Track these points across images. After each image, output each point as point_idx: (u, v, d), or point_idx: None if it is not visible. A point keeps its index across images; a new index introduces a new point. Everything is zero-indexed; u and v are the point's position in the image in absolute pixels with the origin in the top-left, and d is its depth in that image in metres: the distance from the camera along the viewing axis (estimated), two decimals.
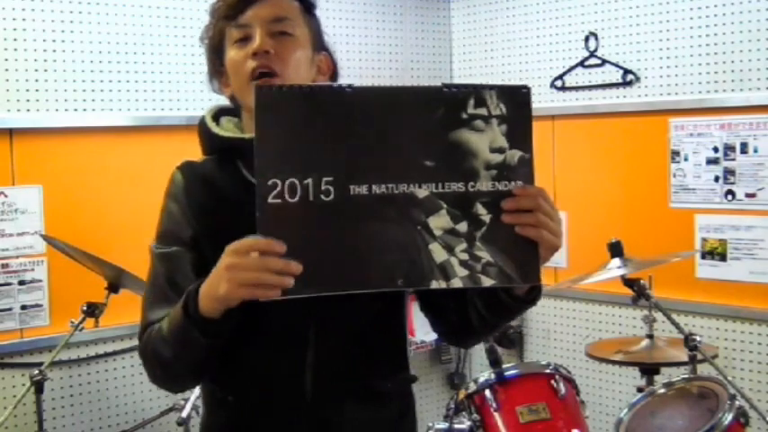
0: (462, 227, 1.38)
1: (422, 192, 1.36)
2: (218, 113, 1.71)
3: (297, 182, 1.33)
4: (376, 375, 1.64)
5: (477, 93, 1.39)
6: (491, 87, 1.40)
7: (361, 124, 1.35)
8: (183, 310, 1.47)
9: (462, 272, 1.38)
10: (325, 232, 1.34)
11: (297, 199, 1.33)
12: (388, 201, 1.35)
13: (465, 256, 1.38)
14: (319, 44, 1.71)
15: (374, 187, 1.35)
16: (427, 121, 1.38)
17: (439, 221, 1.37)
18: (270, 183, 1.33)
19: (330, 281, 1.35)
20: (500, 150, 1.39)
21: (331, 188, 1.34)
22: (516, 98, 1.41)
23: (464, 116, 1.38)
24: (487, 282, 1.38)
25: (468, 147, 1.38)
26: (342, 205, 1.34)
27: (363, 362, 1.62)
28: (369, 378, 1.62)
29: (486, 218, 1.39)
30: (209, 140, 1.68)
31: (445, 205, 1.37)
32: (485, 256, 1.38)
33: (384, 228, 1.36)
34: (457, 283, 1.37)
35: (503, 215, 1.39)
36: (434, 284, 1.37)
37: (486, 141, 1.39)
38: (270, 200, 1.33)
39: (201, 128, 1.70)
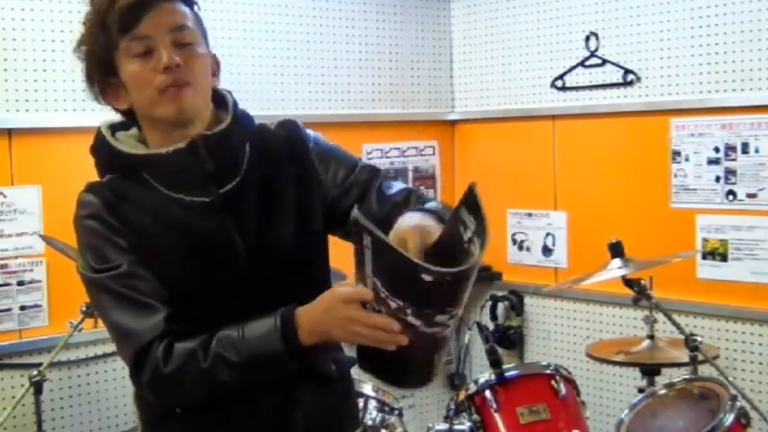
0: None
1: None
2: (113, 130, 1.66)
3: None
4: (323, 361, 1.66)
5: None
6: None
7: None
8: (283, 342, 1.48)
9: None
10: None
11: None
12: None
13: None
14: (208, 45, 1.66)
15: None
16: None
17: None
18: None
19: None
20: None
21: None
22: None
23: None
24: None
25: None
26: None
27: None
28: (318, 364, 1.64)
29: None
30: (114, 159, 1.62)
31: None
32: None
33: None
34: None
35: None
36: None
37: None
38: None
39: (102, 148, 1.64)
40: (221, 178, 1.61)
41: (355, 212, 1.36)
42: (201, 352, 1.50)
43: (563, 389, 2.86)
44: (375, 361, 1.51)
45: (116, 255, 1.55)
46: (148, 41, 1.53)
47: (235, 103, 1.67)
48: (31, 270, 3.25)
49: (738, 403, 2.51)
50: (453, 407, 2.91)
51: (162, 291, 1.55)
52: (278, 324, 1.49)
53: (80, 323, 2.91)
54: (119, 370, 3.44)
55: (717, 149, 3.49)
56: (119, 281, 1.55)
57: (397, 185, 1.72)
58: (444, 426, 2.84)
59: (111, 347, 3.40)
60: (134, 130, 1.66)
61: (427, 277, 1.31)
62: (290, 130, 1.72)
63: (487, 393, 2.82)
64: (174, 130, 1.58)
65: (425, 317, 1.37)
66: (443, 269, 1.32)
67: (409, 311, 1.36)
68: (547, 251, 4.05)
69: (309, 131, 1.75)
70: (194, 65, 1.56)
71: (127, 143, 1.63)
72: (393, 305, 1.37)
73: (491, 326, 4.17)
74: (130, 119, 1.65)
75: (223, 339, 1.51)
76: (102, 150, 1.64)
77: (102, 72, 1.58)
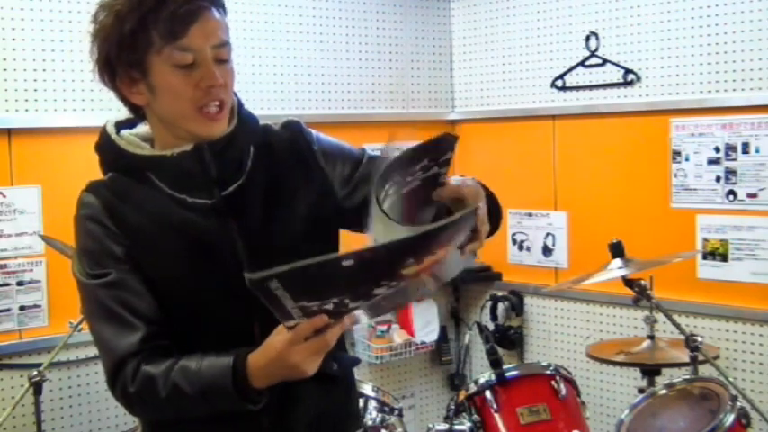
0: None
1: None
2: (117, 128, 1.65)
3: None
4: (325, 359, 1.62)
5: None
6: None
7: None
8: (233, 386, 1.47)
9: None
10: None
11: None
12: None
13: None
14: None
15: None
16: None
17: None
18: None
19: None
20: None
21: None
22: None
23: None
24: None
25: None
26: None
27: None
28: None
29: None
30: (119, 159, 1.61)
31: None
32: None
33: None
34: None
35: None
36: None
37: None
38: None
39: (107, 147, 1.63)
40: (224, 181, 1.61)
41: (248, 276, 1.29)
42: (162, 379, 1.51)
43: (563, 389, 2.85)
44: None
45: (109, 262, 1.55)
46: (193, 54, 1.50)
47: (240, 105, 1.67)
48: (31, 270, 3.25)
49: (739, 403, 2.50)
50: (453, 407, 2.91)
51: (150, 304, 1.55)
52: (230, 368, 1.48)
53: (80, 323, 2.90)
54: None
55: (717, 149, 3.49)
56: (108, 291, 1.55)
57: None
58: (444, 426, 2.84)
59: None
60: (139, 129, 1.65)
61: (347, 262, 1.28)
62: (294, 132, 1.72)
63: (487, 393, 2.82)
64: (187, 135, 1.58)
65: (364, 295, 1.36)
66: (358, 249, 1.29)
67: (347, 300, 1.36)
68: (547, 251, 4.05)
69: (312, 131, 1.75)
70: (231, 83, 1.56)
71: (132, 142, 1.62)
72: (331, 307, 1.36)
73: (491, 326, 4.17)
74: (136, 113, 1.63)
75: (182, 369, 1.51)
76: (107, 149, 1.63)
77: (126, 65, 1.53)
